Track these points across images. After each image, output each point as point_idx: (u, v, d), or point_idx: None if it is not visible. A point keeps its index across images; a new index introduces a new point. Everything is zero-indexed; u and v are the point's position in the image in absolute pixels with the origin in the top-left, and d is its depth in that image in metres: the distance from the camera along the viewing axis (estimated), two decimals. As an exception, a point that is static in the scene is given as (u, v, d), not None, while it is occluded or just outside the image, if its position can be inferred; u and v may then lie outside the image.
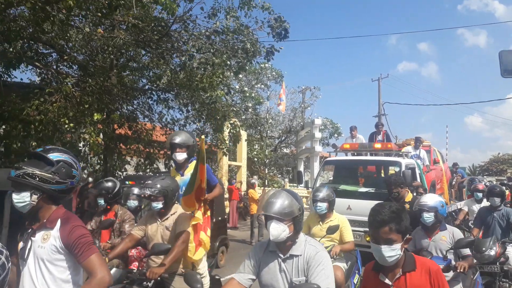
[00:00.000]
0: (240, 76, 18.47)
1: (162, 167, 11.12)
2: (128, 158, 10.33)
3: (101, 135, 7.97)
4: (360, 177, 9.36)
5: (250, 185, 12.69)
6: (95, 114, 7.13)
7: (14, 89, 8.38)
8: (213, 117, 10.56)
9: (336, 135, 28.34)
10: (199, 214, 3.63)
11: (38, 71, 9.29)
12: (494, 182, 17.24)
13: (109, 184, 4.78)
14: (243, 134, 16.44)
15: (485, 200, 7.98)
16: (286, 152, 27.58)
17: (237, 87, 19.75)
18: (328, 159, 9.90)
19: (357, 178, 9.34)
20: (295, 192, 2.55)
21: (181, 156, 3.99)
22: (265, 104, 24.33)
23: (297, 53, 74.71)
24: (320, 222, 4.59)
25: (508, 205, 11.73)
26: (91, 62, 8.43)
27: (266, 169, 24.81)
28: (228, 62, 9.46)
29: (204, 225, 3.76)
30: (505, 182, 19.15)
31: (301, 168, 20.57)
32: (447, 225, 4.15)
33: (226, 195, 13.79)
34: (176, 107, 11.00)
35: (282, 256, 2.43)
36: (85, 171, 9.53)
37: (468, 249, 3.89)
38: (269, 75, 23.77)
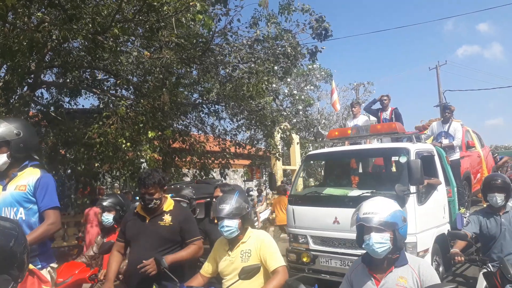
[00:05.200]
0: (289, 80, 18.49)
1: (217, 177, 11.46)
2: (186, 170, 10.76)
3: (158, 151, 8.41)
4: (354, 175, 7.03)
5: (282, 191, 10.39)
6: (150, 132, 7.53)
7: (77, 115, 9.14)
8: (262, 124, 10.71)
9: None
10: None
11: (98, 96, 10.03)
12: None
13: (120, 198, 4.03)
14: (295, 138, 16.40)
15: None
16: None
17: (286, 91, 19.78)
18: (310, 153, 7.59)
19: (349, 176, 6.92)
20: None
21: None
22: (315, 105, 24.13)
23: (347, 50, 73.29)
24: (229, 251, 2.84)
25: None
26: (144, 83, 8.95)
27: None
28: (274, 68, 9.53)
29: None
30: None
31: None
32: (408, 254, 2.38)
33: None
34: (226, 118, 11.32)
35: None
36: None
37: None
38: (318, 76, 23.57)
